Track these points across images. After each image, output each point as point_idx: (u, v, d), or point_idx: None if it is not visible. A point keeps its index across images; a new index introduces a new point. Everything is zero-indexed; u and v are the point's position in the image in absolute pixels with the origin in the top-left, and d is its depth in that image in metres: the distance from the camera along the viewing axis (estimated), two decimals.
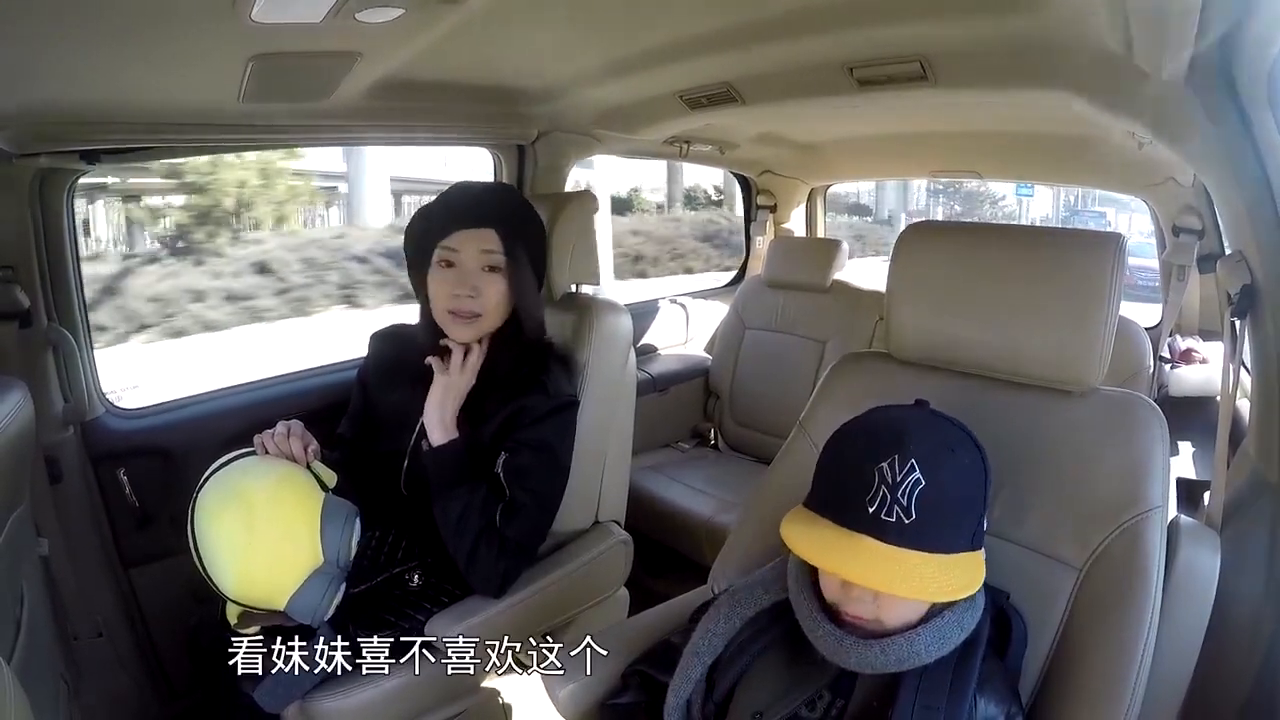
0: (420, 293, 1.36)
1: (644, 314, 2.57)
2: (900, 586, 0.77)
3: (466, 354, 1.32)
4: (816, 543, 0.81)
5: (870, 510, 0.78)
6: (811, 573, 0.89)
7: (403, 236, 1.43)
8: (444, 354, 1.33)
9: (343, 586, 1.16)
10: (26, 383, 1.00)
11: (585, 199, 1.60)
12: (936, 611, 0.82)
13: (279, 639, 1.16)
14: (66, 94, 1.20)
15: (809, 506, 0.85)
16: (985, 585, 0.87)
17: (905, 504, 0.77)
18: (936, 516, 0.78)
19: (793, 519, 0.85)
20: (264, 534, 1.10)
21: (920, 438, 0.80)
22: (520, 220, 1.38)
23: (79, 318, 1.51)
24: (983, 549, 0.83)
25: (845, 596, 0.83)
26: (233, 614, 1.16)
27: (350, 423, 1.49)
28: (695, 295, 2.89)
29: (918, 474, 0.77)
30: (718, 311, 2.79)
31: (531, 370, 1.34)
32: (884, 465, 0.78)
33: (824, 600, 0.86)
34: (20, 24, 0.92)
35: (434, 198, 1.40)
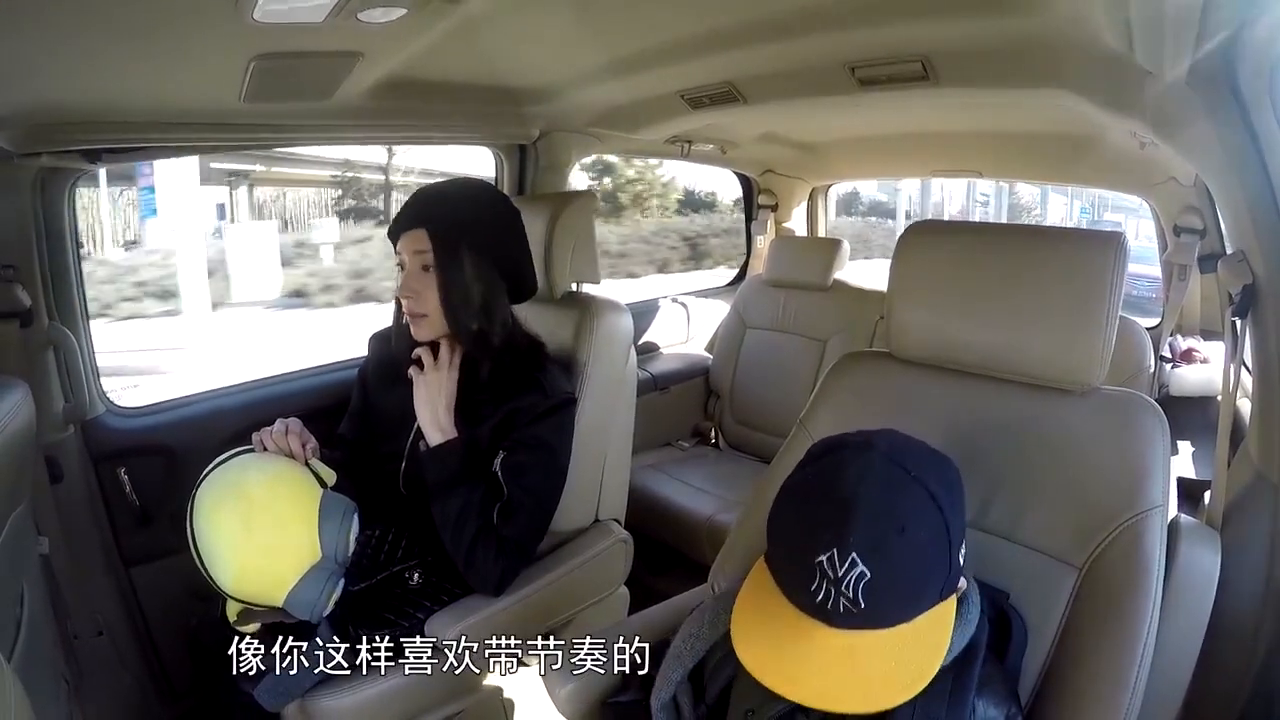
0: None
1: (644, 313, 2.57)
2: (847, 700, 0.73)
3: (439, 353, 1.33)
4: (764, 641, 0.77)
5: (816, 600, 0.73)
6: None
7: None
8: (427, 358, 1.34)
9: (341, 582, 1.16)
10: (27, 382, 1.00)
11: (585, 199, 1.60)
12: None
13: (279, 638, 1.17)
14: (68, 93, 1.20)
15: (770, 565, 0.82)
16: (984, 585, 0.87)
17: (851, 595, 0.71)
18: (888, 599, 0.73)
19: (750, 587, 0.82)
20: (262, 529, 1.10)
21: (864, 517, 0.72)
22: (455, 216, 1.33)
23: (80, 317, 1.51)
24: (955, 591, 0.79)
25: None
26: (232, 611, 1.17)
27: (351, 422, 1.50)
28: (696, 294, 2.89)
29: (861, 567, 0.71)
30: (718, 310, 2.79)
31: (527, 369, 1.34)
32: (824, 559, 0.72)
33: None
34: (22, 24, 0.92)
35: None
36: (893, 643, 0.73)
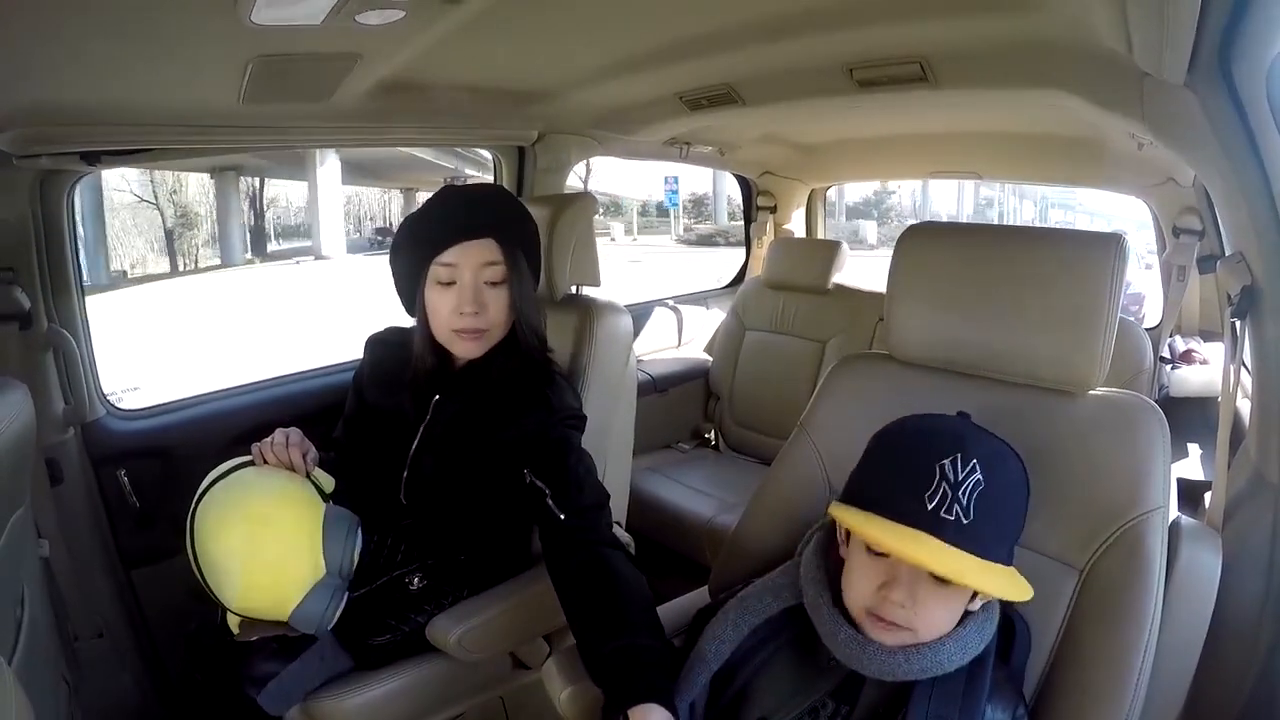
0: (414, 305, 1.30)
1: (634, 318, 2.57)
2: (970, 577, 0.75)
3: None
4: (878, 532, 0.78)
5: (930, 507, 0.76)
6: (830, 580, 0.88)
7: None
8: (448, 372, 1.31)
9: (345, 596, 1.16)
10: (27, 384, 1.00)
11: (585, 201, 1.60)
12: (959, 621, 0.82)
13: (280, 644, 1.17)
14: (67, 95, 1.20)
15: (852, 504, 0.82)
16: None
17: (965, 503, 0.75)
18: (991, 521, 0.77)
19: (839, 514, 0.82)
20: (267, 550, 1.09)
21: (978, 441, 0.79)
22: (518, 223, 1.32)
23: (79, 319, 1.51)
24: (1012, 563, 0.81)
25: (882, 601, 0.80)
26: (233, 622, 1.16)
27: (345, 426, 1.47)
28: (692, 297, 2.90)
29: (979, 475, 0.76)
30: (711, 315, 2.80)
31: (535, 385, 1.29)
32: (946, 462, 0.77)
33: (844, 605, 0.85)
34: (20, 25, 0.92)
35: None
36: (985, 570, 0.76)
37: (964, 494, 0.76)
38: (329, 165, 15.16)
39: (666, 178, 19.64)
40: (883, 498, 0.79)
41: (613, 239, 19.28)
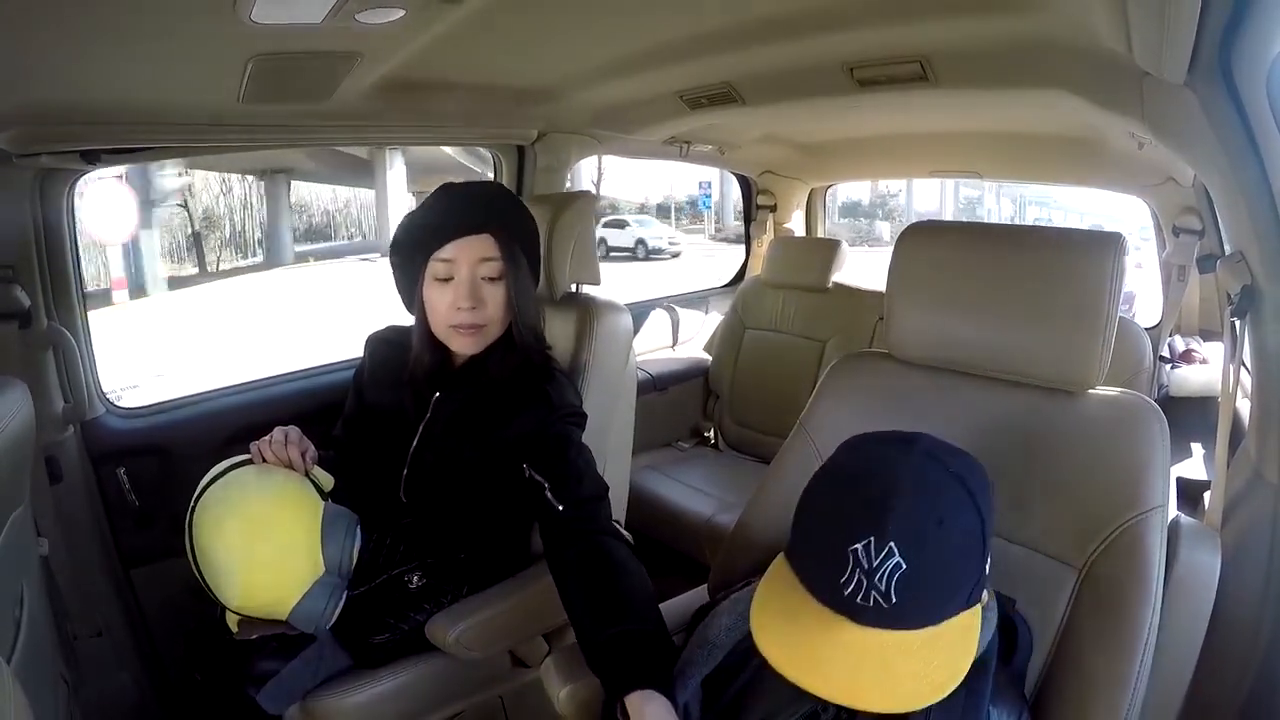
0: (412, 302, 1.30)
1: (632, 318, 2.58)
2: (871, 697, 0.70)
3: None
4: (787, 637, 0.74)
5: (845, 593, 0.70)
6: None
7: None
8: (447, 370, 1.31)
9: (344, 594, 1.16)
10: (26, 382, 1.00)
11: (585, 199, 1.60)
12: None
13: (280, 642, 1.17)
14: (67, 94, 1.20)
15: (790, 561, 0.79)
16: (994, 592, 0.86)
17: (883, 589, 0.69)
18: (920, 597, 0.70)
19: (770, 584, 0.79)
20: (266, 548, 1.09)
21: (904, 508, 0.70)
22: (516, 220, 1.32)
23: (79, 317, 1.51)
24: (980, 602, 0.78)
25: None
26: (232, 620, 1.16)
27: (344, 425, 1.47)
28: (691, 297, 2.90)
29: (897, 558, 0.69)
30: (709, 318, 2.80)
31: (535, 382, 1.29)
32: (858, 547, 0.70)
33: None
34: (20, 24, 0.92)
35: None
36: (918, 645, 0.71)
37: (881, 580, 0.69)
38: (396, 168, 15.56)
39: (701, 182, 21.03)
40: (806, 568, 0.76)
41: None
